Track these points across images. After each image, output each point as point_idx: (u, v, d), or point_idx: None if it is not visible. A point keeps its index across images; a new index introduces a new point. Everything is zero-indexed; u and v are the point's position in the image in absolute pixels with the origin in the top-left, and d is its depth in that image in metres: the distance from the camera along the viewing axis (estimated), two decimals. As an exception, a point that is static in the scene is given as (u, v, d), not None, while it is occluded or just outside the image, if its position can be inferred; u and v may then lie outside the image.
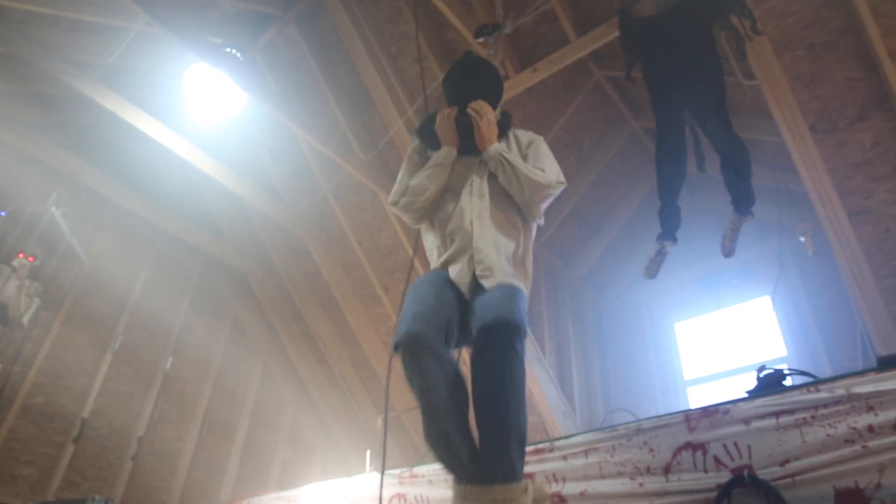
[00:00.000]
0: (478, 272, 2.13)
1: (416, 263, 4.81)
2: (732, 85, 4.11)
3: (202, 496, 5.22)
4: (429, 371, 1.86)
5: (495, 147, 2.29)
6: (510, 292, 2.07)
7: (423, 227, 2.43)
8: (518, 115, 5.44)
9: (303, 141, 5.34)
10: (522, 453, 1.93)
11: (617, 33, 3.73)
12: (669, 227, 3.55)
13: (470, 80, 2.45)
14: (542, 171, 2.30)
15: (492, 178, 2.32)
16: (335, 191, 5.45)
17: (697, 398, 5.66)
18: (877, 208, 3.83)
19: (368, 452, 3.59)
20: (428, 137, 2.47)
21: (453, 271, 2.18)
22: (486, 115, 2.31)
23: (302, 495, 3.74)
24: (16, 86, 4.47)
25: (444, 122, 2.37)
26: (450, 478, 2.97)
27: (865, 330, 4.21)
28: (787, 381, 2.55)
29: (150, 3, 3.84)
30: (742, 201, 3.34)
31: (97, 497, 3.50)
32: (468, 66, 2.53)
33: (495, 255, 2.17)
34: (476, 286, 2.14)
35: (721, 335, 5.83)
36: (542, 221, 2.44)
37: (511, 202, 2.32)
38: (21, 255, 4.06)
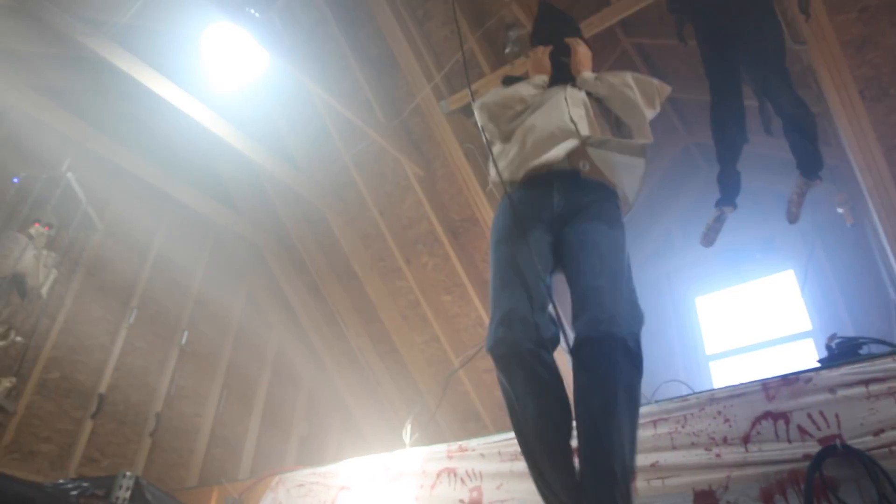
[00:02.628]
0: (576, 123, 2.06)
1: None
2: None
3: (221, 473, 5.12)
4: (518, 387, 1.68)
5: (589, 72, 2.33)
6: (609, 219, 1.94)
7: (497, 146, 2.29)
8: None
9: (323, 107, 5.16)
10: (627, 496, 1.56)
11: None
12: (729, 193, 3.45)
13: (559, 26, 2.54)
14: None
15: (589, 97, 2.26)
16: (356, 159, 5.29)
17: (720, 373, 5.62)
18: (926, 177, 3.76)
19: (408, 426, 3.48)
20: (512, 82, 2.45)
21: (536, 149, 2.06)
22: (582, 46, 2.41)
23: (340, 471, 3.63)
24: (26, 46, 4.23)
25: (538, 53, 2.44)
26: (503, 450, 2.88)
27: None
28: (864, 351, 2.48)
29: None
30: (809, 164, 3.23)
31: (127, 473, 3.38)
32: (554, 16, 2.63)
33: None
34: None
35: (743, 310, 5.78)
36: (650, 135, 2.22)
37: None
38: (37, 224, 3.87)
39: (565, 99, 2.20)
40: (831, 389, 2.20)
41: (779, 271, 5.68)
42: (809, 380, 2.26)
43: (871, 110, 3.73)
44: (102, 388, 4.66)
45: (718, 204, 3.51)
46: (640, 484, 2.50)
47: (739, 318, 5.78)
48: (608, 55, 5.33)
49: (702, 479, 2.34)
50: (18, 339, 3.72)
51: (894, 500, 1.92)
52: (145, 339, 5.03)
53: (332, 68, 5.04)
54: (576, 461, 1.66)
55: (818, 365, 2.40)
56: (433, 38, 4.76)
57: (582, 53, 2.38)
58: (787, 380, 2.31)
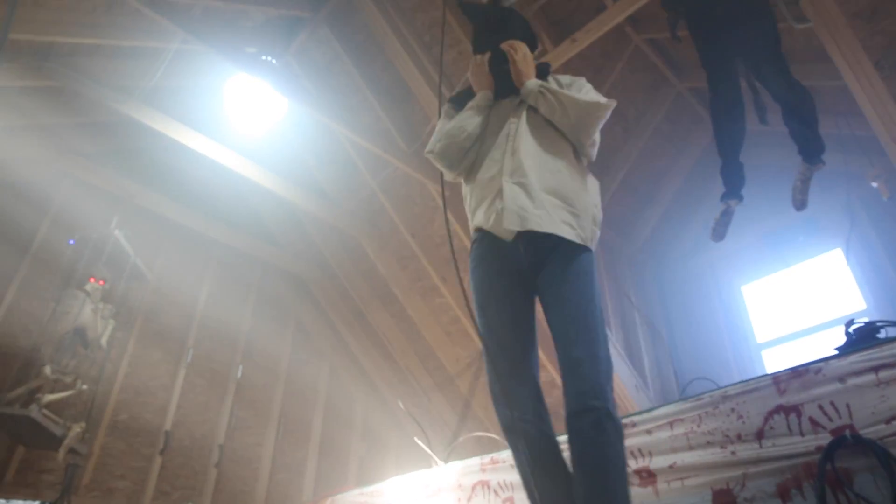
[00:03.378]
0: (505, 203, 1.94)
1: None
2: (782, 31, 3.91)
3: (285, 497, 5.35)
4: (523, 461, 1.85)
5: (533, 80, 2.16)
6: (578, 275, 1.89)
7: (465, 189, 2.21)
8: (559, 89, 5.35)
9: (346, 139, 5.37)
10: None
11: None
12: (733, 186, 3.40)
13: (498, 27, 2.35)
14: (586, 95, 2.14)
15: (532, 116, 2.15)
16: (382, 186, 5.46)
17: (773, 361, 5.46)
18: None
19: (427, 446, 3.59)
20: (463, 102, 2.33)
21: (480, 217, 2.03)
22: (520, 50, 2.20)
23: (385, 490, 3.77)
24: (69, 118, 4.62)
25: (477, 66, 2.28)
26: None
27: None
28: (882, 335, 2.42)
29: (184, 20, 3.90)
30: (810, 149, 3.16)
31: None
32: (493, 18, 2.42)
33: (534, 182, 1.97)
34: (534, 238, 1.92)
35: (793, 294, 5.60)
36: (593, 156, 2.22)
37: (558, 137, 2.11)
38: (92, 280, 4.20)
39: (504, 147, 2.09)
40: (841, 379, 2.16)
41: (825, 251, 5.47)
42: (819, 370, 2.23)
43: (890, 80, 3.60)
44: (168, 426, 4.97)
45: (724, 198, 3.47)
46: (660, 486, 2.52)
47: (790, 304, 5.60)
48: (621, 53, 5.32)
49: (719, 477, 2.34)
50: (84, 387, 4.04)
51: (907, 489, 1.88)
52: (203, 377, 5.33)
53: (351, 101, 5.24)
54: None
55: (837, 353, 2.36)
56: (444, 61, 4.88)
57: (520, 60, 2.18)
58: (798, 372, 2.28)
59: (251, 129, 5.14)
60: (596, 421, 1.71)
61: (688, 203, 6.18)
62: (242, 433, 5.43)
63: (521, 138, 2.10)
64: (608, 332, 5.10)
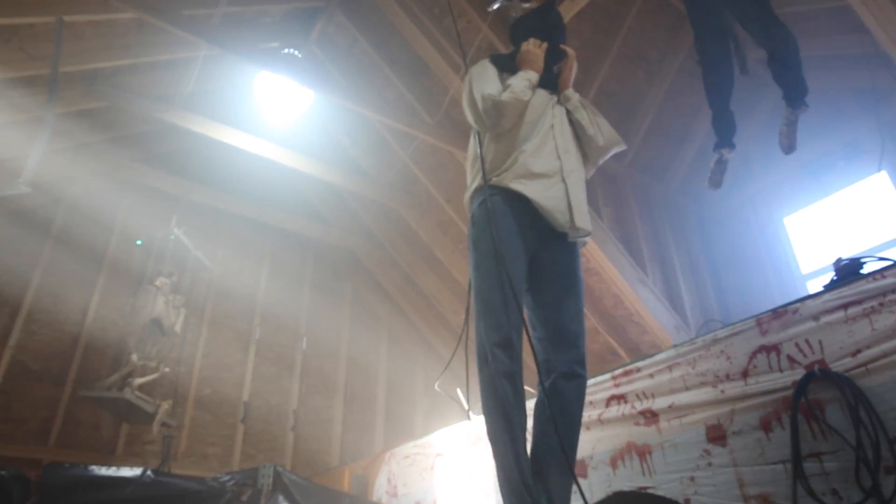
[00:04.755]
0: (572, 202, 2.23)
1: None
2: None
3: (357, 453, 5.87)
4: (510, 397, 2.01)
5: (573, 91, 2.46)
6: (579, 266, 2.32)
7: (487, 137, 2.40)
8: (574, 42, 5.33)
9: (373, 118, 5.62)
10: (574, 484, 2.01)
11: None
12: (725, 135, 3.44)
13: (558, 29, 2.59)
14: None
15: (566, 119, 2.42)
16: (413, 157, 5.70)
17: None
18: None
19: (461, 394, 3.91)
20: (502, 65, 2.51)
21: (536, 192, 2.22)
22: (575, 61, 2.49)
23: (434, 441, 4.16)
24: (121, 132, 5.11)
25: (536, 48, 2.42)
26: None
27: None
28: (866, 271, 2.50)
29: (204, 30, 4.21)
30: (793, 93, 3.15)
31: (266, 465, 4.12)
32: (556, 18, 2.66)
33: (581, 189, 2.32)
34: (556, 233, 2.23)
35: (838, 222, 5.50)
36: (590, 174, 2.58)
37: (578, 144, 2.43)
38: (161, 276, 4.72)
39: (552, 132, 2.33)
40: (815, 317, 2.30)
41: (870, 175, 5.32)
42: (796, 310, 2.37)
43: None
44: (245, 397, 5.55)
45: (716, 147, 3.50)
46: (662, 424, 2.74)
47: (835, 232, 5.51)
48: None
49: (711, 414, 2.54)
50: (167, 369, 4.60)
51: (867, 418, 2.03)
52: (272, 350, 5.87)
53: (374, 81, 5.47)
54: None
55: (818, 292, 2.47)
56: (453, 31, 4.99)
57: (573, 69, 2.47)
58: (777, 313, 2.43)
59: (285, 118, 5.48)
60: (579, 386, 2.15)
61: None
62: (313, 398, 5.96)
63: (567, 139, 2.37)
64: (645, 276, 5.26)
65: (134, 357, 4.44)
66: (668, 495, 2.60)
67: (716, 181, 3.61)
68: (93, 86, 4.49)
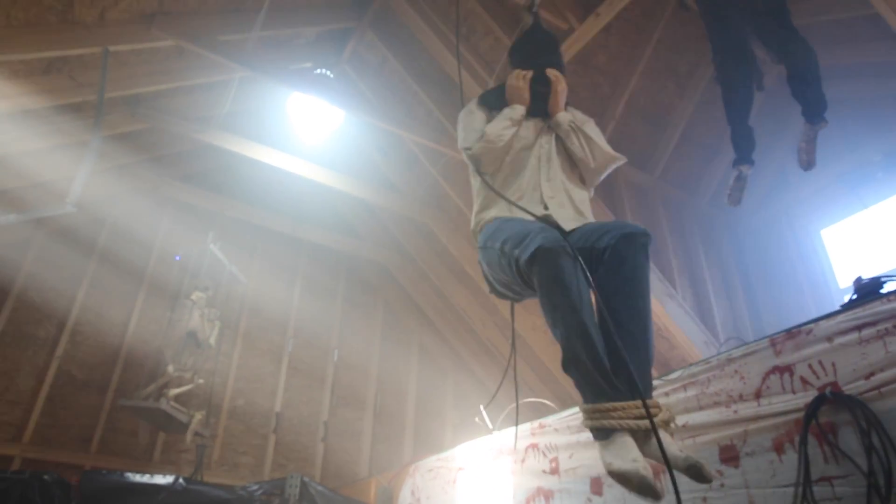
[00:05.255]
0: (556, 218, 2.19)
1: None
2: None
3: (386, 465, 5.94)
4: (572, 276, 1.84)
5: (565, 115, 2.41)
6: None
7: (485, 178, 2.39)
8: (601, 56, 5.38)
9: (403, 135, 5.73)
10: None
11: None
12: (744, 151, 3.41)
13: (546, 51, 2.57)
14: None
15: (558, 142, 2.42)
16: (443, 173, 5.78)
17: (858, 305, 5.25)
18: None
19: (483, 411, 3.94)
20: (492, 101, 2.53)
21: (538, 213, 2.18)
22: (562, 83, 2.43)
23: (456, 455, 4.20)
24: (161, 151, 5.35)
25: (520, 81, 2.42)
26: (571, 424, 3.20)
27: None
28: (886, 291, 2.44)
29: (241, 55, 4.40)
30: (812, 109, 3.11)
31: (294, 475, 4.24)
32: (543, 38, 2.66)
33: (568, 208, 2.27)
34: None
35: (875, 235, 5.33)
36: (591, 194, 2.52)
37: (573, 167, 2.41)
38: (196, 290, 4.90)
39: (538, 168, 2.33)
40: (829, 338, 2.27)
41: (910, 186, 5.16)
42: (810, 331, 2.34)
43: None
44: (278, 408, 5.70)
45: (735, 164, 3.46)
46: (676, 444, 2.72)
47: (873, 246, 5.35)
48: (662, 10, 5.25)
49: (724, 434, 2.52)
50: (201, 381, 4.78)
51: (880, 442, 1.99)
52: (304, 362, 6.01)
53: (404, 98, 5.59)
54: None
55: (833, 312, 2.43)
56: (480, 49, 5.08)
57: (561, 92, 2.41)
58: (791, 333, 2.40)
59: (318, 136, 5.64)
60: (643, 246, 1.97)
61: (758, 149, 5.98)
62: (343, 410, 6.07)
63: (554, 168, 2.38)
64: (674, 291, 5.20)
65: (170, 368, 4.62)
66: (682, 516, 2.57)
67: (735, 198, 3.57)
68: (136, 109, 4.73)
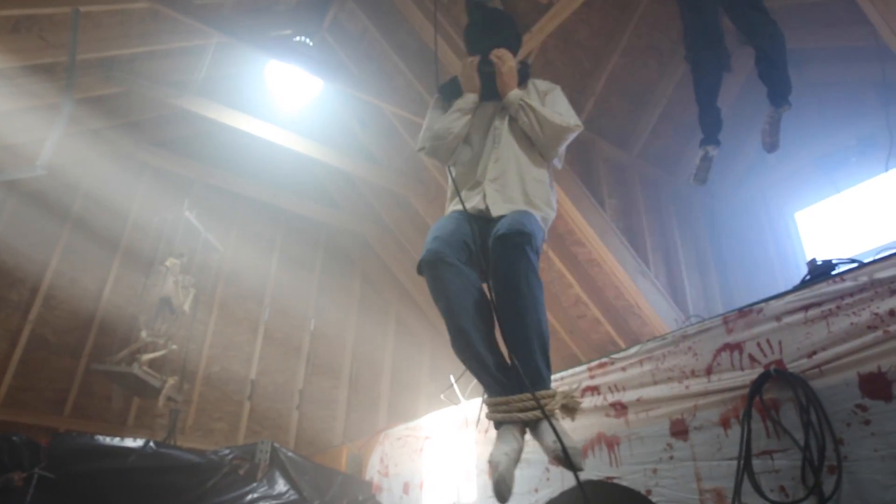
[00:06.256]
0: (487, 202, 2.27)
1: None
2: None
3: (360, 434, 6.01)
4: (450, 283, 2.02)
5: (515, 92, 2.41)
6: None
7: (450, 172, 2.49)
8: (583, 32, 5.35)
9: (383, 106, 5.69)
10: (547, 359, 2.03)
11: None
12: (710, 132, 3.42)
13: (490, 32, 2.58)
14: (560, 115, 2.40)
15: (512, 121, 2.44)
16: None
17: (827, 286, 5.33)
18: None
19: (454, 381, 4.01)
20: (451, 93, 2.58)
21: (469, 205, 2.30)
22: (507, 62, 2.43)
23: (424, 424, 4.28)
24: (137, 116, 5.29)
25: (467, 69, 2.47)
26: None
27: None
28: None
29: (215, 20, 4.34)
30: (777, 92, 3.12)
31: (265, 441, 4.29)
32: (487, 19, 2.66)
33: (511, 188, 2.30)
34: (490, 220, 2.24)
35: (849, 218, 5.40)
36: (560, 164, 2.55)
37: (531, 144, 2.44)
38: (171, 257, 4.90)
39: (491, 137, 2.40)
40: (777, 318, 2.33)
41: (884, 171, 5.21)
42: (761, 310, 2.40)
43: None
44: (253, 375, 5.74)
45: (702, 144, 3.48)
46: (630, 417, 2.80)
47: (846, 229, 5.42)
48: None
49: (676, 408, 2.60)
50: (174, 346, 4.80)
51: (817, 418, 2.06)
52: (280, 330, 6.04)
53: (384, 68, 5.54)
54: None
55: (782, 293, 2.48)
56: (461, 20, 5.02)
57: (507, 72, 2.40)
58: (743, 312, 2.46)
59: (296, 104, 5.59)
60: (517, 244, 2.02)
61: (736, 130, 6.01)
62: (319, 379, 6.13)
63: (503, 146, 2.40)
64: (647, 268, 5.26)
65: (143, 334, 4.64)
66: (632, 486, 2.66)
67: (701, 177, 3.60)
68: (110, 72, 4.66)
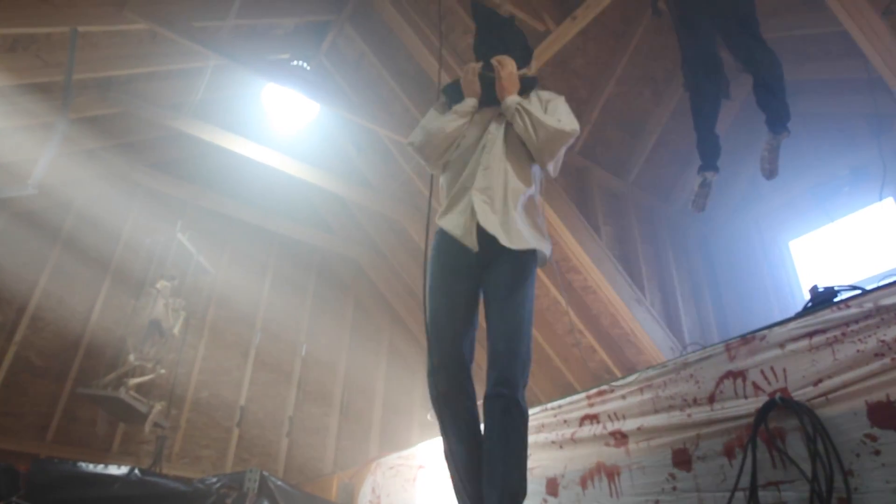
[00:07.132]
0: (478, 218, 2.17)
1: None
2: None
3: (352, 462, 5.89)
4: (448, 427, 2.14)
5: (513, 97, 2.36)
6: (519, 281, 2.18)
7: (441, 181, 2.47)
8: (579, 60, 5.39)
9: (379, 131, 5.70)
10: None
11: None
12: (709, 158, 3.43)
13: (494, 39, 2.57)
14: (558, 120, 2.34)
15: (509, 129, 2.38)
16: (417, 169, 5.75)
17: (823, 316, 5.32)
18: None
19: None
20: (453, 96, 2.55)
21: (449, 222, 2.25)
22: (507, 67, 2.39)
23: (417, 453, 4.18)
24: (132, 137, 5.26)
25: (468, 74, 2.46)
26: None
27: None
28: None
29: (213, 42, 4.34)
30: (775, 119, 3.14)
31: (254, 469, 4.17)
32: (492, 26, 2.64)
33: (498, 200, 2.22)
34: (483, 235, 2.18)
35: (843, 248, 5.42)
36: (554, 173, 2.46)
37: (527, 153, 2.37)
38: (162, 279, 4.82)
39: (484, 143, 2.33)
40: (781, 345, 2.29)
41: (876, 201, 5.25)
42: (764, 337, 2.36)
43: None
44: (242, 401, 5.63)
45: (700, 170, 3.48)
46: (631, 446, 2.73)
47: (841, 258, 5.43)
48: (641, 17, 5.28)
49: (678, 438, 2.54)
50: (163, 371, 4.70)
51: (824, 448, 2.01)
52: (271, 355, 5.95)
53: (381, 93, 5.56)
54: None
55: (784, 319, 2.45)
56: (458, 47, 5.07)
57: (506, 77, 2.36)
58: (746, 339, 2.42)
59: (292, 128, 5.59)
60: (505, 406, 2.04)
61: (730, 158, 6.04)
62: (310, 405, 6.02)
63: (495, 154, 2.34)
64: (642, 296, 5.23)
65: (131, 357, 4.54)
66: (633, 518, 2.59)
67: (699, 204, 3.59)
68: (107, 92, 4.65)
